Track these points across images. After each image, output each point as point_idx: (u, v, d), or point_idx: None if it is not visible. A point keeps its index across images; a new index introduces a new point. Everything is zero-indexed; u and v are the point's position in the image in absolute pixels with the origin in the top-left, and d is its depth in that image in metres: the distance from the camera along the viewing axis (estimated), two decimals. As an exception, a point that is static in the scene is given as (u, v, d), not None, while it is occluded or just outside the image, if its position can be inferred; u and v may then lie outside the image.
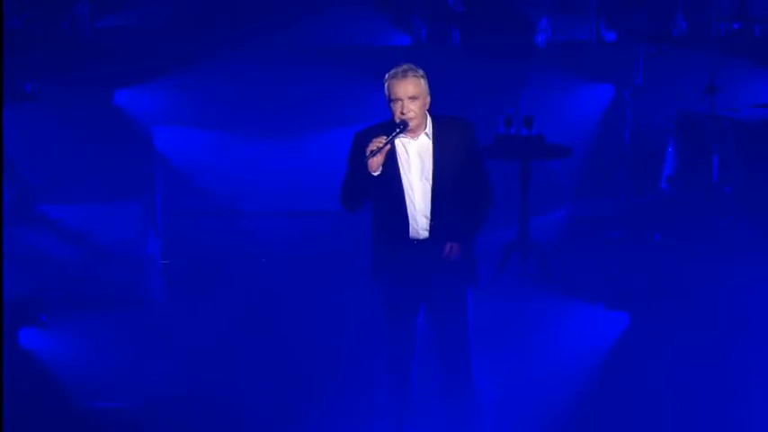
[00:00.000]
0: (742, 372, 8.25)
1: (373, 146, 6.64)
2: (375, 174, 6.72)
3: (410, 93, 6.68)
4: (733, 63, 11.79)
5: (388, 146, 6.67)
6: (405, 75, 6.69)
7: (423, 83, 6.73)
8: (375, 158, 6.67)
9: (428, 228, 6.82)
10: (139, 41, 12.18)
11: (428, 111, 6.81)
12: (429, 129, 6.81)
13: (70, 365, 8.69)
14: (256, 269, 10.84)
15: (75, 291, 10.03)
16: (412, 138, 6.78)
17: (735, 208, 11.12)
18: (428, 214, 6.81)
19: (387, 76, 6.73)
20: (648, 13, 12.51)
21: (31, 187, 10.59)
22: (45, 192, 10.73)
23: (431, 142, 6.79)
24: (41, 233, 10.30)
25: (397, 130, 6.68)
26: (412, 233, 6.83)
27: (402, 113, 6.68)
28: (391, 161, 6.77)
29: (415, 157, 6.79)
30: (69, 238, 10.33)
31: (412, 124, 6.71)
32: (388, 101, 6.73)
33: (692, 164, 11.43)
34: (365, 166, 6.70)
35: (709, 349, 8.61)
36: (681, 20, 12.57)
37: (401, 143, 6.79)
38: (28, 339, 9.05)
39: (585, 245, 11.15)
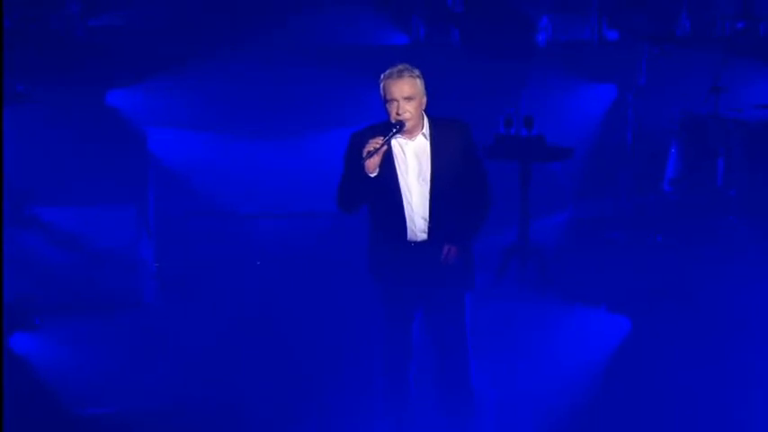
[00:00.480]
0: (746, 378, 8.25)
1: (370, 147, 6.65)
2: (372, 175, 6.74)
3: (406, 93, 6.69)
4: (737, 63, 11.72)
5: (385, 147, 6.68)
6: (400, 75, 6.70)
7: (419, 83, 6.75)
8: (372, 160, 6.68)
9: (426, 230, 6.84)
10: (133, 41, 12.13)
11: (425, 112, 6.82)
12: (426, 129, 6.82)
13: (63, 369, 8.70)
14: (251, 272, 10.85)
15: (68, 294, 10.03)
16: (409, 139, 6.80)
17: (739, 210, 11.09)
18: (426, 216, 6.83)
19: (382, 76, 6.75)
20: (651, 12, 12.47)
21: (22, 189, 10.51)
22: (36, 194, 10.64)
23: (428, 143, 6.80)
24: (33, 236, 10.24)
25: (394, 130, 6.68)
26: (410, 235, 6.86)
27: (398, 114, 6.69)
28: (388, 162, 6.78)
29: (413, 159, 6.81)
30: (61, 241, 10.27)
31: (408, 125, 6.72)
32: (384, 101, 6.75)
33: (696, 166, 11.36)
34: (362, 167, 6.71)
35: (713, 354, 8.61)
36: (684, 19, 12.52)
37: (398, 144, 6.80)
38: (20, 343, 9.06)
39: (587, 248, 11.16)
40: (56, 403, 8.21)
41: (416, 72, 6.76)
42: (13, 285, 9.54)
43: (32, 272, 10.09)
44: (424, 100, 6.80)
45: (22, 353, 8.91)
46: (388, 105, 6.73)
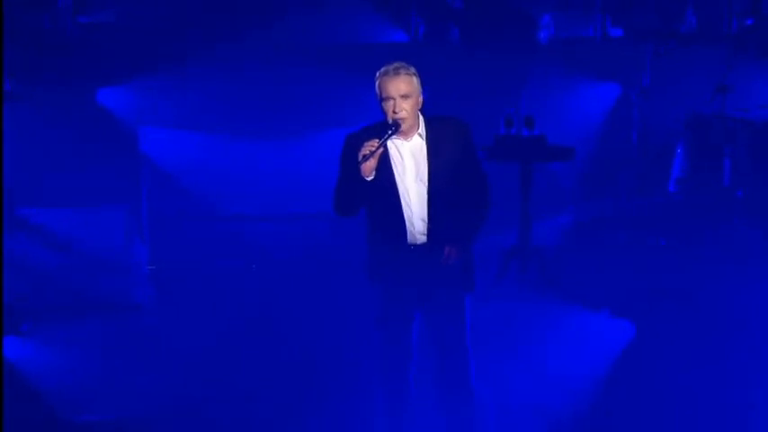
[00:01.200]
0: (751, 382, 8.31)
1: (366, 150, 6.68)
2: (369, 178, 6.78)
3: (402, 91, 6.73)
4: (745, 61, 11.82)
5: (381, 149, 6.73)
6: (396, 72, 6.75)
7: (415, 81, 6.79)
8: (368, 163, 6.71)
9: (425, 231, 6.88)
10: (125, 38, 12.18)
11: (420, 111, 6.86)
12: (422, 129, 6.86)
13: (53, 376, 8.76)
14: (246, 275, 10.95)
15: (58, 298, 10.12)
16: (405, 139, 6.84)
17: (745, 211, 11.16)
18: (425, 217, 6.87)
19: (378, 74, 6.79)
20: (656, 8, 12.48)
21: (11, 190, 10.51)
22: (25, 195, 10.72)
23: (424, 143, 6.85)
24: (22, 238, 10.29)
25: (390, 131, 6.72)
26: (410, 238, 6.90)
27: (394, 112, 6.73)
28: (384, 165, 6.82)
29: (409, 159, 6.86)
30: (51, 244, 10.31)
31: (404, 125, 6.76)
32: (380, 100, 6.78)
33: (702, 166, 11.42)
34: (358, 171, 6.74)
35: (717, 358, 8.67)
36: (690, 16, 12.57)
37: (394, 145, 6.84)
38: (8, 349, 9.11)
39: (588, 250, 11.24)
40: (48, 409, 8.28)
41: (412, 70, 6.82)
42: (6, 288, 9.57)
43: (20, 275, 10.14)
44: (421, 99, 6.84)
45: (10, 359, 8.97)
46: (383, 104, 6.78)
